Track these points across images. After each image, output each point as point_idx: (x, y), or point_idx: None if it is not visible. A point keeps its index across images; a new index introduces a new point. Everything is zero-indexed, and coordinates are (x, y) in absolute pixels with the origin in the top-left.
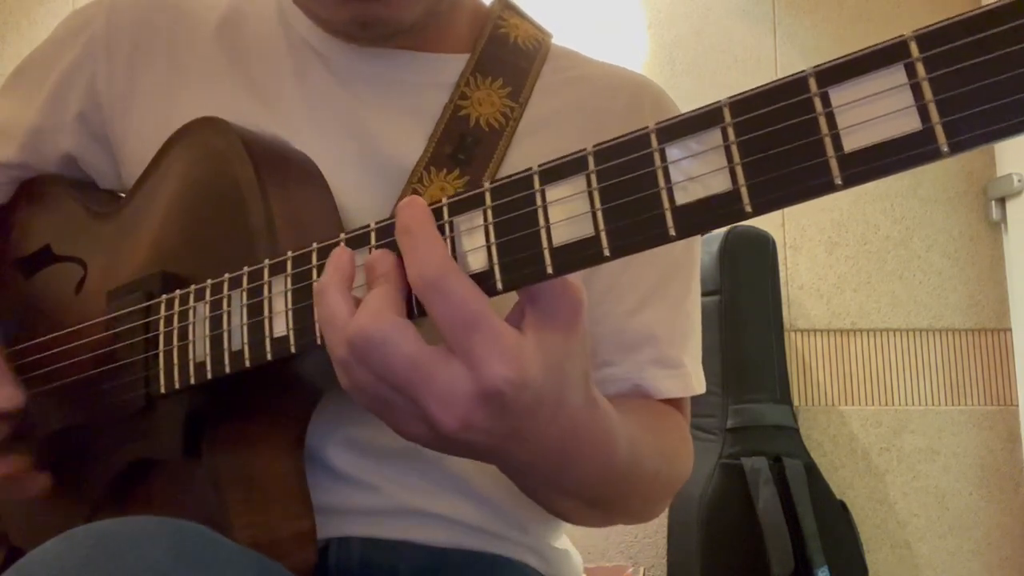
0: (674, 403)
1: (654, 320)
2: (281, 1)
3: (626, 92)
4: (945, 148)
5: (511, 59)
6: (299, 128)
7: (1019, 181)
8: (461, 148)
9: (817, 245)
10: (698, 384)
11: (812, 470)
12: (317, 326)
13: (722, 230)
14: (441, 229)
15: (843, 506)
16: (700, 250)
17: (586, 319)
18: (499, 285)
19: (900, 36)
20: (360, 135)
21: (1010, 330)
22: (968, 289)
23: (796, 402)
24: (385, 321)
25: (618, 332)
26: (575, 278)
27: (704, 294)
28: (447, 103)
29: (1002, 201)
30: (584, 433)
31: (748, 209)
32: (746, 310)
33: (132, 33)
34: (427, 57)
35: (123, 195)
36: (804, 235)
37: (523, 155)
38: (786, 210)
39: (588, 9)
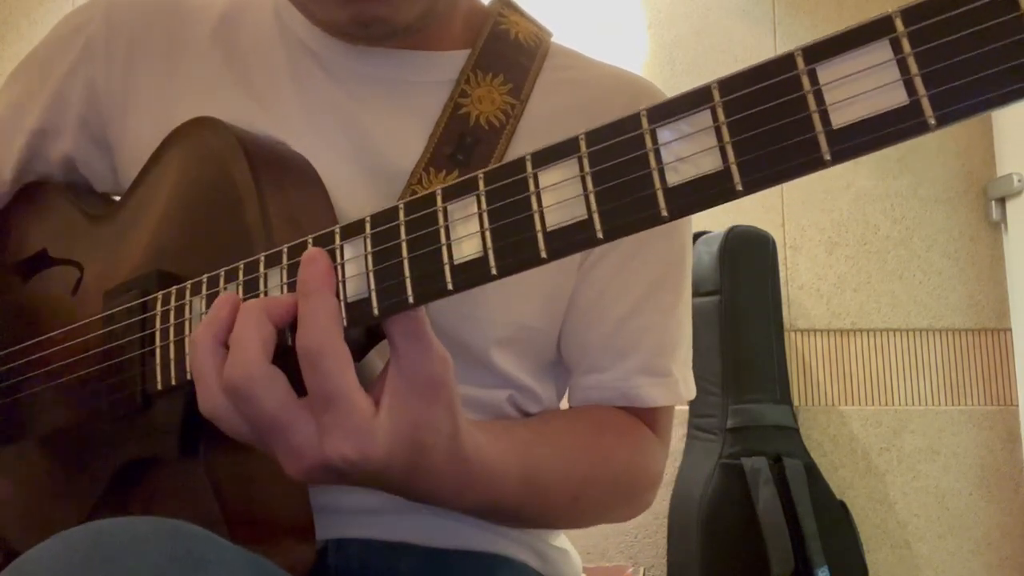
0: (654, 412)
1: (644, 327)
2: (278, 2)
3: (625, 94)
4: (932, 121)
5: (512, 55)
6: (297, 129)
7: (1019, 181)
8: (460, 148)
9: (817, 245)
10: (687, 392)
11: (812, 470)
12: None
13: (722, 230)
14: (435, 216)
15: (843, 506)
16: (692, 256)
17: (453, 385)
18: (493, 271)
19: (885, 12)
20: (358, 136)
21: (1010, 330)
22: (968, 289)
23: (796, 402)
24: (254, 371)
25: (608, 338)
26: (440, 347)
27: (704, 294)
28: (447, 101)
29: (1002, 201)
30: (449, 482)
31: (739, 188)
32: (746, 310)
33: (129, 34)
34: (425, 56)
35: (118, 198)
36: (804, 235)
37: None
38: (786, 210)
39: (588, 9)
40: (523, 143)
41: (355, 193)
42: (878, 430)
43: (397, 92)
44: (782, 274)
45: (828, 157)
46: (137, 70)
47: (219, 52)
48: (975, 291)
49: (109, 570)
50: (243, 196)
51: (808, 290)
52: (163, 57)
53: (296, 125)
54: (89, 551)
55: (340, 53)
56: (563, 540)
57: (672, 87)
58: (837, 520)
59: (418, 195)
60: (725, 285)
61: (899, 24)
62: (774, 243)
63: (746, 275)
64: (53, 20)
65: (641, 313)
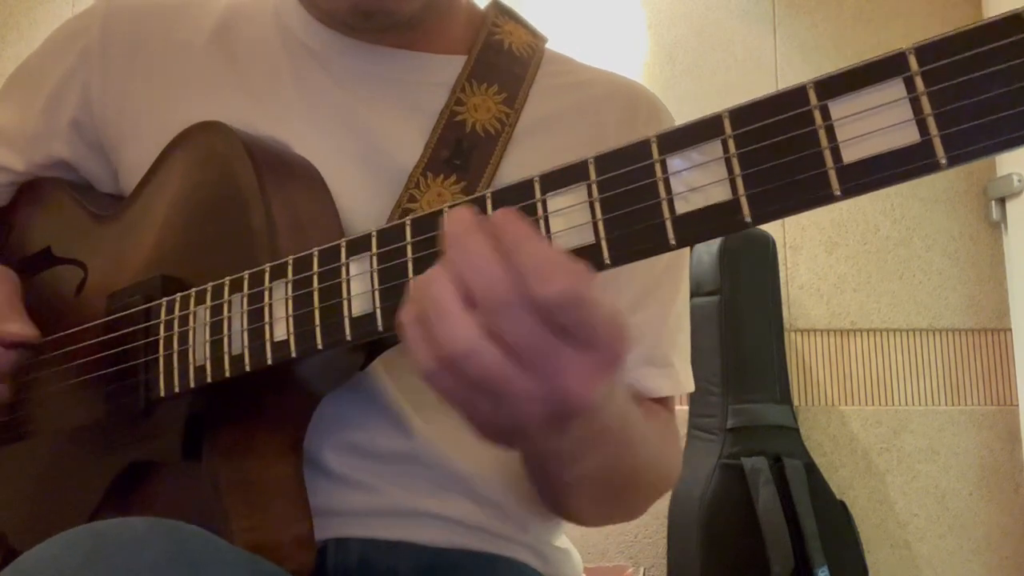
0: (661, 401)
1: (645, 320)
2: (277, 4)
3: (622, 99)
4: (944, 161)
5: (505, 65)
6: (298, 129)
7: (1019, 181)
8: (458, 153)
9: (817, 245)
10: (687, 383)
11: (812, 470)
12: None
13: None
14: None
15: (843, 506)
16: (689, 253)
17: None
18: None
19: (899, 49)
20: (359, 134)
21: (1010, 330)
22: (968, 289)
23: (796, 402)
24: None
25: None
26: None
27: (704, 294)
28: (444, 107)
29: (1002, 201)
30: (623, 405)
31: (748, 219)
32: (746, 310)
33: (127, 41)
34: (424, 57)
35: (124, 198)
36: (804, 235)
37: (519, 160)
38: None
39: (588, 9)
40: (519, 148)
41: (357, 193)
42: (878, 430)
43: (396, 91)
44: (782, 274)
45: (838, 193)
46: (135, 77)
47: (219, 57)
48: (975, 291)
49: (108, 570)
50: (248, 200)
51: (808, 290)
52: (162, 62)
53: (298, 125)
54: (88, 552)
55: (340, 52)
56: (564, 540)
57: (672, 87)
58: (837, 520)
59: (426, 212)
60: (725, 285)
61: (913, 62)
62: (774, 243)
63: (746, 275)
64: (54, 20)
65: (642, 307)
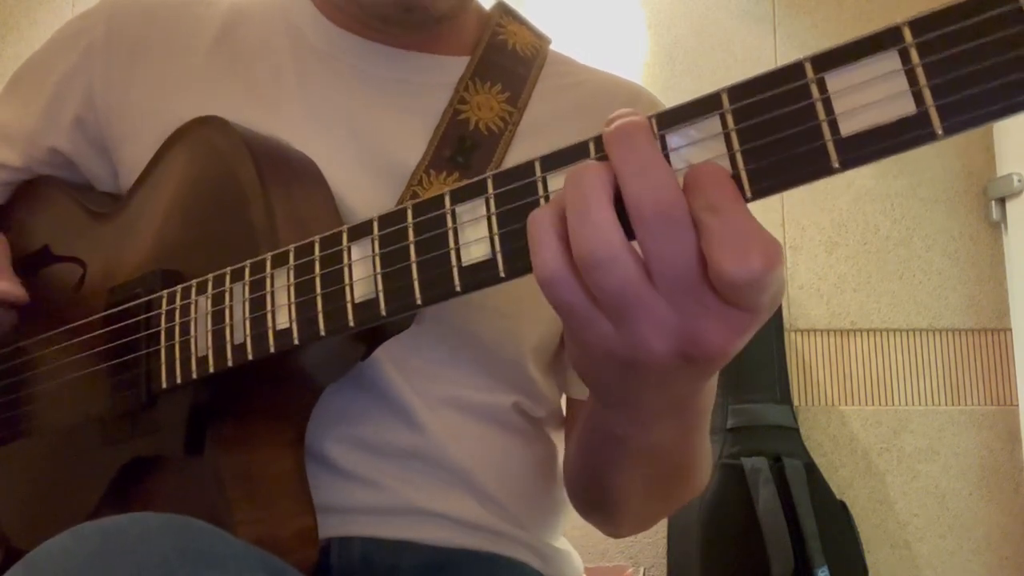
0: None
1: None
2: (286, 4)
3: (622, 98)
4: (939, 131)
5: (510, 66)
6: (301, 127)
7: (1019, 181)
8: (460, 151)
9: (817, 245)
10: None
11: (812, 470)
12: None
13: None
14: (443, 218)
15: (843, 506)
16: None
17: None
18: (501, 274)
19: (894, 23)
20: (361, 134)
21: (1010, 330)
22: (968, 289)
23: (796, 402)
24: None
25: None
26: None
27: None
28: (447, 106)
29: (1002, 201)
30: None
31: (748, 195)
32: None
33: (131, 40)
34: (429, 58)
35: (122, 195)
36: (804, 235)
37: (522, 158)
38: (786, 210)
39: (588, 9)
40: (522, 147)
41: (358, 191)
42: (878, 430)
43: (399, 91)
44: None
45: (837, 165)
46: (138, 76)
47: (222, 56)
48: (975, 291)
49: (119, 564)
50: (248, 195)
51: (808, 290)
52: (165, 63)
53: (300, 124)
54: (100, 545)
55: (347, 52)
56: (563, 541)
57: (672, 87)
58: (837, 520)
59: (426, 197)
60: None
61: (908, 35)
62: None
63: None
64: (54, 20)
65: None
